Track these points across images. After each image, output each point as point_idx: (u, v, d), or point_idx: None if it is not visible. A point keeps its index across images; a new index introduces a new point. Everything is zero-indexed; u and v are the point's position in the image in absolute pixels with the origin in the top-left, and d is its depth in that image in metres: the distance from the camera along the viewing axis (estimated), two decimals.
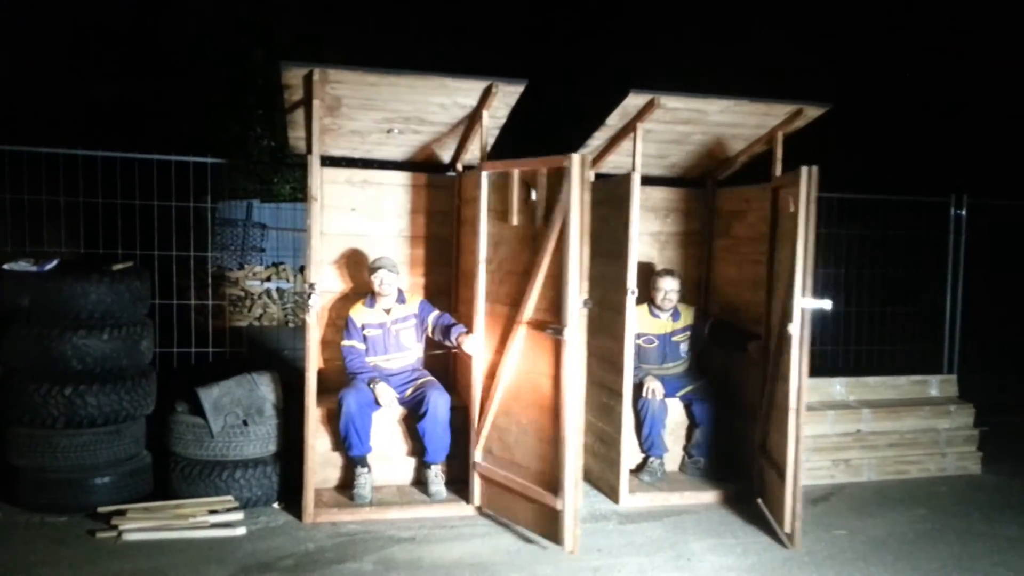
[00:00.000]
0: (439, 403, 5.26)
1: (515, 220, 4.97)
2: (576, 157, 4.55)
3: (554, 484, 4.60)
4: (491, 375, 5.10)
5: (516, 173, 4.94)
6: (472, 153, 5.65)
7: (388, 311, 5.53)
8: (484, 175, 5.10)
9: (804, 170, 4.75)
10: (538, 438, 4.78)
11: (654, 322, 5.94)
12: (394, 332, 5.53)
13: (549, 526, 4.68)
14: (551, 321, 4.67)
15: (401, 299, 5.57)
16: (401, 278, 5.68)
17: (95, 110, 7.72)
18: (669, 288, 5.85)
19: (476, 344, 5.15)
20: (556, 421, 4.63)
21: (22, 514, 4.97)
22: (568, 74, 7.98)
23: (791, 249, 4.84)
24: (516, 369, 4.96)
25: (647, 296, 5.94)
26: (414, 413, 5.35)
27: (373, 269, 5.45)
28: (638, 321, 5.70)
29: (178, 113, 7.88)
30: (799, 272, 4.75)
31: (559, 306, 4.63)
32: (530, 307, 4.84)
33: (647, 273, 5.98)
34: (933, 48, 9.49)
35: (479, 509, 5.19)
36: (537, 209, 4.79)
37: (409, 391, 5.46)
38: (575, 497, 4.57)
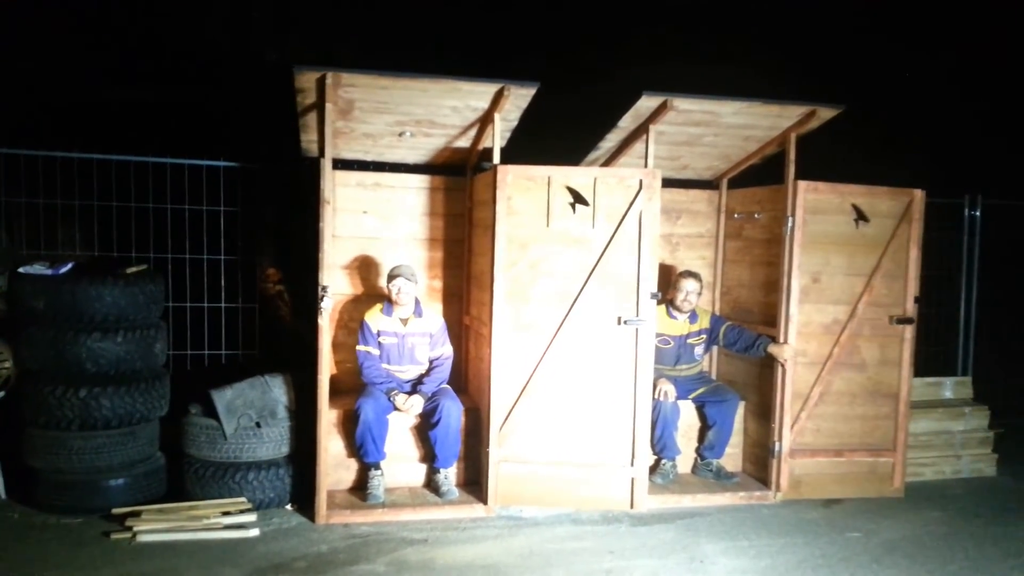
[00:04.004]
0: (452, 412, 5.28)
1: (554, 223, 5.18)
2: (648, 170, 5.21)
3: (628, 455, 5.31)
4: (520, 369, 5.26)
5: (560, 178, 5.19)
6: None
7: (405, 321, 5.53)
8: (506, 176, 5.14)
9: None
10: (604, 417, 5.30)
11: (671, 323, 5.93)
12: (409, 345, 5.53)
13: (618, 490, 5.31)
14: (614, 313, 5.22)
15: (418, 311, 5.57)
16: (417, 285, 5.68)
17: (109, 114, 7.77)
18: (691, 290, 5.84)
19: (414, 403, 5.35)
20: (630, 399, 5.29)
21: (38, 515, 5.00)
22: (578, 77, 7.97)
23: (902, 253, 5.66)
24: (568, 359, 5.24)
25: (665, 297, 5.95)
26: (426, 421, 5.37)
27: (391, 277, 5.44)
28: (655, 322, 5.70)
29: (192, 116, 7.92)
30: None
31: (623, 299, 5.21)
32: (585, 303, 5.20)
33: (664, 274, 6.00)
34: (944, 42, 9.46)
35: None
36: (595, 214, 5.19)
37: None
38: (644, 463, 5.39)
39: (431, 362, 5.60)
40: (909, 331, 5.70)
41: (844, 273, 5.62)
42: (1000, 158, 9.48)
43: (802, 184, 5.49)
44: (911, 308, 5.70)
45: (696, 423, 5.95)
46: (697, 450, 5.95)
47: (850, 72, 9.12)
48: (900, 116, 9.41)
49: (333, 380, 5.54)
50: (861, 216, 5.61)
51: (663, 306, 5.90)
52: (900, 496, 5.72)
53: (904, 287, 5.68)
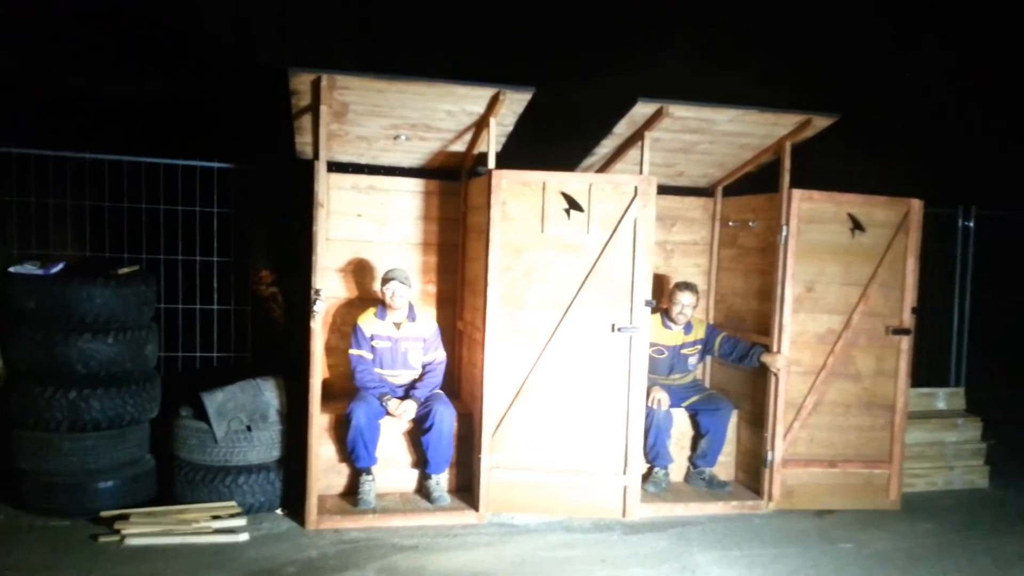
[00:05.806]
0: (445, 417, 5.25)
1: (549, 229, 5.17)
2: (643, 177, 5.23)
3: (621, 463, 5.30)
4: (514, 375, 5.24)
5: (555, 183, 5.18)
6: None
7: (398, 326, 5.50)
8: (500, 181, 5.13)
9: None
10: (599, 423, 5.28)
11: (666, 333, 5.91)
12: (402, 349, 5.50)
13: (610, 498, 5.29)
14: (608, 319, 5.19)
15: (412, 316, 5.54)
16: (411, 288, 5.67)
17: (102, 113, 7.74)
18: (686, 303, 5.82)
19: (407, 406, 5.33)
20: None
21: (25, 517, 4.96)
22: (573, 83, 7.97)
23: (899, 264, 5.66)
24: (561, 366, 5.23)
25: (660, 306, 5.93)
26: (419, 426, 5.34)
27: (385, 280, 5.42)
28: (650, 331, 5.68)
29: (186, 116, 7.89)
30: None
31: (618, 306, 5.19)
32: (579, 309, 5.19)
33: (659, 283, 5.98)
34: (939, 47, 9.49)
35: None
36: (590, 221, 5.17)
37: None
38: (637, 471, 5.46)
39: (424, 367, 5.57)
40: (906, 342, 5.67)
41: (839, 283, 5.60)
42: (994, 169, 9.50)
43: (797, 193, 5.48)
44: (908, 319, 5.66)
45: (689, 431, 5.93)
46: (690, 458, 5.93)
47: (847, 80, 9.15)
48: (895, 126, 9.43)
49: (325, 384, 5.51)
50: (857, 225, 5.58)
51: (658, 315, 5.88)
52: (896, 508, 5.67)
53: (901, 298, 5.64)
